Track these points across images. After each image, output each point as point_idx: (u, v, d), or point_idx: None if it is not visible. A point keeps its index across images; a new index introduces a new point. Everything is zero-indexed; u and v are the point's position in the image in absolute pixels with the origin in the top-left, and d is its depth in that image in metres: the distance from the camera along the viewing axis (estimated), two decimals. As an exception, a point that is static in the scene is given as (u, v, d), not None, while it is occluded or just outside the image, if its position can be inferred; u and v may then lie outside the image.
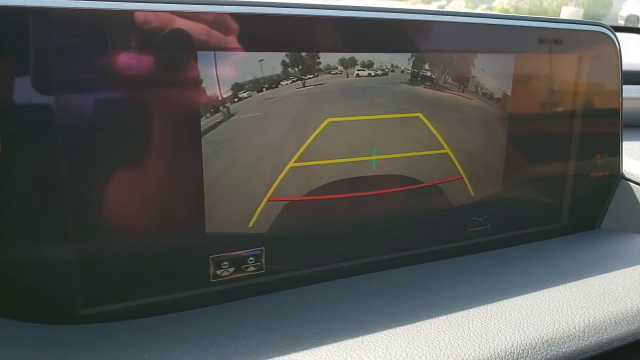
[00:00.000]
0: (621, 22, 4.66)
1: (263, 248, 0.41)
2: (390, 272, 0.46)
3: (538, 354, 0.35)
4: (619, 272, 0.48)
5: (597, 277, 0.47)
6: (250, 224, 0.39)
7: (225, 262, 0.39)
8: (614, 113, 0.57)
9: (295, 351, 0.33)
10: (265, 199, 0.39)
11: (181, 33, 0.34)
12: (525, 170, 0.53)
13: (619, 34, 0.56)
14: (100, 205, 0.34)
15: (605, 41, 0.55)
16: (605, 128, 0.57)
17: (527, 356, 0.35)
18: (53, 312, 0.35)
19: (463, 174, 0.49)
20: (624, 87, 0.68)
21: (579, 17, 1.58)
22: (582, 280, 0.46)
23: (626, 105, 0.66)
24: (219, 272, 0.39)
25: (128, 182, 0.35)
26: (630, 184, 0.60)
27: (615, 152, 0.59)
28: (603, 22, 0.56)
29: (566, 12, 2.53)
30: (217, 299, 0.40)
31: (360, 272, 0.46)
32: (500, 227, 0.53)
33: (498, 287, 0.44)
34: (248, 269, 0.40)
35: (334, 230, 0.44)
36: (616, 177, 0.59)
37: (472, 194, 0.50)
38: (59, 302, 0.35)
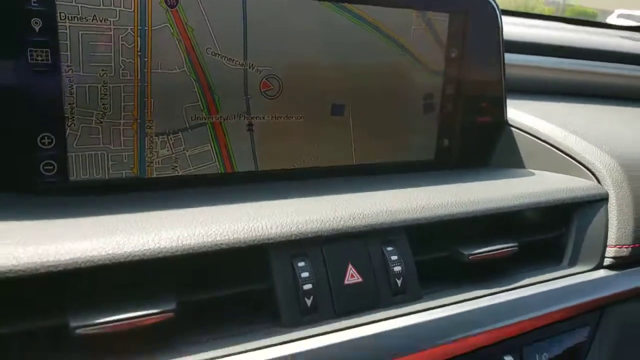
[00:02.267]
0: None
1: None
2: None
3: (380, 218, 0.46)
4: (482, 182, 0.59)
5: (462, 184, 0.58)
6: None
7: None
8: (496, 69, 0.70)
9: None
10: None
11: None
12: (420, 113, 0.65)
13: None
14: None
15: (487, 4, 0.67)
16: (489, 79, 0.69)
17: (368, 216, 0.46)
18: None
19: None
20: (513, 55, 0.82)
21: None
22: (448, 185, 0.57)
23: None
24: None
25: None
26: (514, 129, 0.72)
27: (499, 102, 0.71)
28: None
29: None
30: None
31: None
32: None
33: (378, 189, 0.54)
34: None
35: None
36: (501, 123, 0.71)
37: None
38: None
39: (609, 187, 0.59)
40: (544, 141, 0.68)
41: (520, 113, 0.74)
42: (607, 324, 0.53)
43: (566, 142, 0.65)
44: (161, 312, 0.35)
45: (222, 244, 0.38)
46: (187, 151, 0.54)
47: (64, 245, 0.35)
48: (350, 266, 0.43)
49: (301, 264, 0.41)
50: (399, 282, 0.45)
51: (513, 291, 0.50)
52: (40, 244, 0.34)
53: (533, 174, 0.65)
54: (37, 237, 0.36)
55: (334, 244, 0.43)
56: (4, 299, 0.34)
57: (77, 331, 0.33)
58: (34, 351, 0.35)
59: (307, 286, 0.41)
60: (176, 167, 0.54)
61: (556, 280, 0.53)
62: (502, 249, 0.50)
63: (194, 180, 0.54)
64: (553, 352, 0.50)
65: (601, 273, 0.55)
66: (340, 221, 0.44)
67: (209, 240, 0.38)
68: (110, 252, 0.35)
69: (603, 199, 0.58)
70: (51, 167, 0.48)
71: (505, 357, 0.47)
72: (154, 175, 0.53)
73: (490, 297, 0.48)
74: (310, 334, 0.40)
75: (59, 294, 0.37)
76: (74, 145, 0.49)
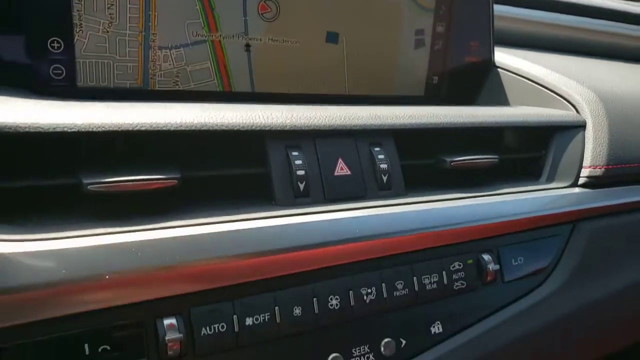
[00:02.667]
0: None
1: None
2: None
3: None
4: (468, 107, 0.63)
5: (449, 108, 0.61)
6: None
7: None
8: (485, 11, 0.73)
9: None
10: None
11: None
12: (411, 48, 0.68)
13: None
14: None
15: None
16: (478, 21, 0.73)
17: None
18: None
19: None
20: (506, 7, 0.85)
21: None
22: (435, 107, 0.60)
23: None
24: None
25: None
26: (500, 70, 0.75)
27: (487, 42, 0.74)
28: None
29: None
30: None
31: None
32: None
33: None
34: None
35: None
36: (488, 63, 0.75)
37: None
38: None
39: (587, 116, 0.63)
40: (528, 79, 0.71)
41: (508, 56, 0.77)
42: (578, 237, 0.57)
43: (548, 79, 0.69)
44: (166, 179, 0.39)
45: (223, 125, 0.41)
46: (188, 67, 0.57)
47: (79, 114, 0.38)
48: (340, 160, 0.47)
49: (295, 153, 0.44)
50: (384, 178, 0.48)
51: (492, 197, 0.53)
52: (58, 112, 0.38)
53: (517, 107, 0.69)
54: (54, 106, 0.39)
55: (325, 139, 0.46)
56: (28, 156, 0.38)
57: (89, 187, 0.36)
58: (49, 209, 0.38)
59: (300, 172, 0.44)
60: (177, 81, 0.56)
61: (533, 192, 0.56)
62: (483, 158, 0.54)
63: (194, 95, 0.57)
64: (527, 257, 0.54)
65: (576, 190, 0.59)
66: (332, 119, 0.47)
67: (211, 121, 0.41)
68: (119, 121, 0.38)
69: (581, 126, 0.62)
70: (60, 72, 0.51)
71: (483, 255, 0.50)
72: (157, 88, 0.56)
73: (470, 199, 0.52)
74: (302, 212, 0.43)
75: (75, 158, 0.40)
76: (82, 51, 0.52)
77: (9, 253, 0.32)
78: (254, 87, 0.60)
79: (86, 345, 0.34)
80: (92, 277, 0.34)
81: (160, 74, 0.56)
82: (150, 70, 0.55)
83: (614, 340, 0.64)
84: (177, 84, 0.57)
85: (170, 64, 0.56)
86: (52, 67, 0.50)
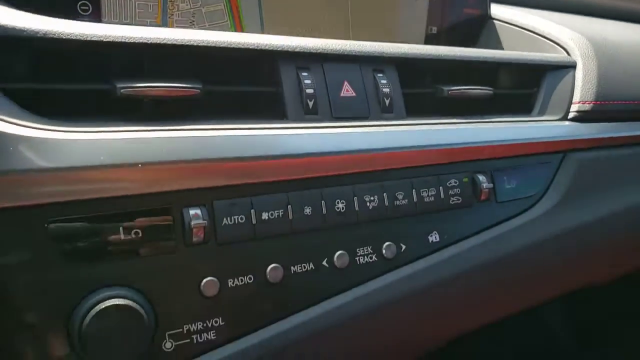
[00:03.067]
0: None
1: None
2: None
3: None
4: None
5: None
6: None
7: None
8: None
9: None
10: None
11: None
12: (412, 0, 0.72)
13: None
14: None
15: None
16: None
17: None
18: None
19: None
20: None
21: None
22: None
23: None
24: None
25: None
26: (496, 22, 0.79)
27: (483, -5, 0.78)
28: None
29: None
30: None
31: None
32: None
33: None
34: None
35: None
36: (485, 15, 0.79)
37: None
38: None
39: (577, 58, 0.66)
40: (522, 28, 0.75)
41: (503, 8, 0.81)
42: (567, 167, 0.61)
43: (542, 27, 0.73)
44: (190, 87, 0.43)
45: (241, 44, 0.46)
46: (204, 8, 0.61)
47: (113, 29, 0.42)
48: (345, 82, 0.51)
49: (304, 74, 0.49)
50: (387, 101, 0.52)
51: (487, 124, 0.57)
52: (93, 27, 0.42)
53: (512, 51, 0.73)
54: (88, 25, 0.43)
55: (332, 62, 0.51)
56: (68, 64, 0.42)
57: (122, 91, 0.41)
58: (87, 112, 0.43)
59: (310, 90, 0.48)
60: (193, 21, 0.61)
61: (526, 122, 0.60)
62: (478, 89, 0.58)
63: (209, 35, 0.61)
64: (519, 182, 0.58)
65: (565, 123, 0.63)
66: (338, 46, 0.51)
67: (233, 40, 0.46)
68: (150, 35, 0.43)
69: (571, 66, 0.66)
70: (87, 8, 0.55)
71: (478, 175, 0.54)
72: (175, 27, 0.60)
73: (466, 124, 0.56)
74: (312, 125, 0.47)
75: (109, 69, 0.44)
76: (107, -12, 0.56)
77: (56, 139, 0.37)
78: (263, 29, 0.64)
79: (121, 228, 0.39)
80: (128, 165, 0.38)
81: (178, 14, 0.60)
82: (168, 10, 0.59)
83: (601, 265, 0.69)
84: (193, 24, 0.61)
85: (187, 4, 0.60)
86: (79, 3, 0.55)
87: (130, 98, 0.42)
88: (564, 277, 0.64)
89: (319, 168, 0.46)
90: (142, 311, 0.37)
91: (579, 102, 0.63)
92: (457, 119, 0.57)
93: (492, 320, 0.62)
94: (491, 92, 0.59)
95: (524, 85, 0.66)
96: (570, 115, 0.63)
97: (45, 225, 0.36)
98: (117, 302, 0.36)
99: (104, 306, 0.36)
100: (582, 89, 0.64)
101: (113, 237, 0.38)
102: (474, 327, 0.61)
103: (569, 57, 0.67)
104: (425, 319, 0.54)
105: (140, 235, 0.39)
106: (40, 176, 0.36)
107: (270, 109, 0.49)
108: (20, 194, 0.36)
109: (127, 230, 0.39)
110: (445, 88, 0.56)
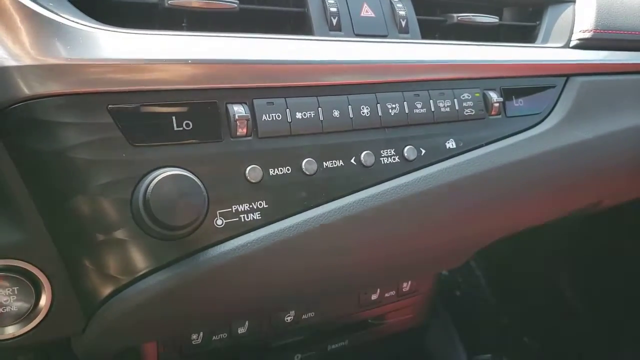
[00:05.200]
0: None
1: None
2: None
3: None
4: None
5: None
6: None
7: None
8: None
9: None
10: None
11: None
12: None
13: None
14: None
15: None
16: None
17: None
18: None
19: None
20: None
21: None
22: None
23: None
24: None
25: None
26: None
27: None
28: None
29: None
30: None
31: None
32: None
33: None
34: None
35: None
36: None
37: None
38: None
39: (576, -6, 0.71)
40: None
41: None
42: (570, 89, 0.65)
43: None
44: (229, 1, 0.48)
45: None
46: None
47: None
48: (365, 4, 0.56)
49: (328, -6, 0.54)
50: (403, 23, 0.57)
51: (495, 47, 0.62)
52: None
53: None
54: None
55: (350, -15, 0.56)
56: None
57: (169, 2, 0.46)
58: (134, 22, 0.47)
59: (333, 9, 0.53)
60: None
61: (530, 47, 0.65)
62: (485, 16, 0.63)
63: None
64: (526, 100, 0.62)
65: (568, 49, 0.68)
66: (356, -28, 0.56)
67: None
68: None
69: (571, 2, 0.70)
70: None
71: (490, 93, 0.59)
72: None
73: (476, 46, 0.61)
74: (337, 39, 0.52)
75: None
76: None
77: (117, 35, 0.42)
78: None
79: (174, 118, 0.44)
80: (178, 60, 0.43)
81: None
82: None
83: (606, 186, 0.73)
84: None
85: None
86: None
87: (175, 9, 0.47)
88: (571, 192, 0.69)
89: (344, 74, 0.51)
90: (197, 180, 0.42)
91: (579, 31, 0.68)
92: (467, 41, 0.61)
93: (506, 230, 0.67)
94: (497, 20, 0.64)
95: (527, 18, 0.70)
96: (572, 43, 0.68)
97: (108, 110, 0.41)
98: (176, 172, 0.41)
99: (164, 174, 0.41)
100: (582, 19, 0.69)
101: (168, 125, 0.43)
102: (490, 235, 0.66)
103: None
104: (443, 221, 0.59)
105: (191, 126, 0.44)
106: (104, 65, 0.41)
107: (299, 28, 0.54)
108: (87, 81, 0.41)
109: (180, 121, 0.44)
110: (455, 15, 0.61)
